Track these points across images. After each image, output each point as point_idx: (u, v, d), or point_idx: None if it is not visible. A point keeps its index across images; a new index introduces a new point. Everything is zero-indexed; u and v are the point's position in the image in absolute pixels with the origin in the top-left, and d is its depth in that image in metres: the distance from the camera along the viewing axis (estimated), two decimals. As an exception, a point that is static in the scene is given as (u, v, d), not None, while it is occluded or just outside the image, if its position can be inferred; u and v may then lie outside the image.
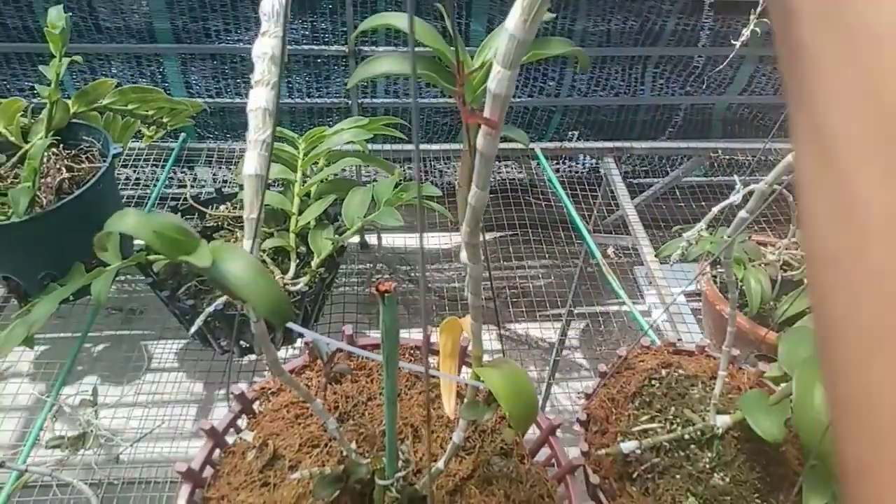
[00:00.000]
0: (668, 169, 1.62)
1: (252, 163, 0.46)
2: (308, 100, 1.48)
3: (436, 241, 1.47)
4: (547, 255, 1.45)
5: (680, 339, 0.69)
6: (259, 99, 0.46)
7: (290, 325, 0.44)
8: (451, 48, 0.45)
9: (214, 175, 1.53)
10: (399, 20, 0.47)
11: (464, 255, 0.46)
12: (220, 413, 0.64)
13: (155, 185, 1.14)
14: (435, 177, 1.64)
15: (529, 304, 1.34)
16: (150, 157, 1.21)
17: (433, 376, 0.52)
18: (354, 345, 0.67)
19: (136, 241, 0.96)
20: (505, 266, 1.48)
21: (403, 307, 1.50)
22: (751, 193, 0.53)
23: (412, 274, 1.52)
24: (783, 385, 0.57)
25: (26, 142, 0.88)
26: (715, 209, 0.69)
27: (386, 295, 0.41)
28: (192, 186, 1.48)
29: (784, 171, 0.49)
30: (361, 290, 1.46)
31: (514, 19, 0.32)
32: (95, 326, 0.93)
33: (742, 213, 0.50)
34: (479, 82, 0.42)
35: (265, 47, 0.47)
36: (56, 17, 0.82)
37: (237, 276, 0.38)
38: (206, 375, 0.94)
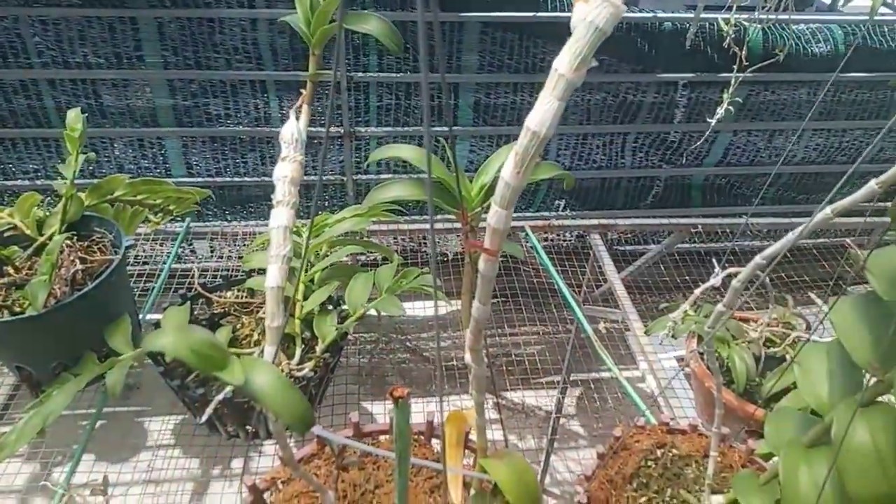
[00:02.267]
0: (652, 238, 1.68)
1: (274, 276, 0.50)
2: (306, 177, 1.53)
3: (431, 309, 1.51)
4: (538, 322, 1.48)
5: (673, 419, 0.72)
6: (280, 218, 0.51)
7: (314, 429, 0.47)
8: (452, 174, 0.50)
9: (212, 248, 1.57)
10: (405, 152, 0.52)
11: (468, 357, 0.49)
12: (229, 500, 0.65)
13: (164, 264, 1.17)
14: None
15: (524, 372, 1.37)
16: (158, 238, 1.26)
17: (439, 470, 0.55)
18: (360, 432, 0.70)
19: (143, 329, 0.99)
20: (499, 334, 1.51)
21: (400, 376, 1.52)
22: (730, 277, 0.57)
23: (408, 343, 1.55)
24: (773, 460, 0.60)
25: (41, 234, 0.92)
26: (697, 291, 0.74)
27: (400, 400, 0.44)
28: (195, 261, 1.52)
29: (755, 267, 0.54)
30: (362, 359, 1.49)
31: (508, 169, 0.37)
32: (93, 402, 0.92)
33: (719, 307, 0.54)
34: (477, 203, 0.47)
35: (285, 171, 0.52)
36: (74, 121, 0.87)
37: (265, 390, 0.41)
38: (213, 460, 0.95)
